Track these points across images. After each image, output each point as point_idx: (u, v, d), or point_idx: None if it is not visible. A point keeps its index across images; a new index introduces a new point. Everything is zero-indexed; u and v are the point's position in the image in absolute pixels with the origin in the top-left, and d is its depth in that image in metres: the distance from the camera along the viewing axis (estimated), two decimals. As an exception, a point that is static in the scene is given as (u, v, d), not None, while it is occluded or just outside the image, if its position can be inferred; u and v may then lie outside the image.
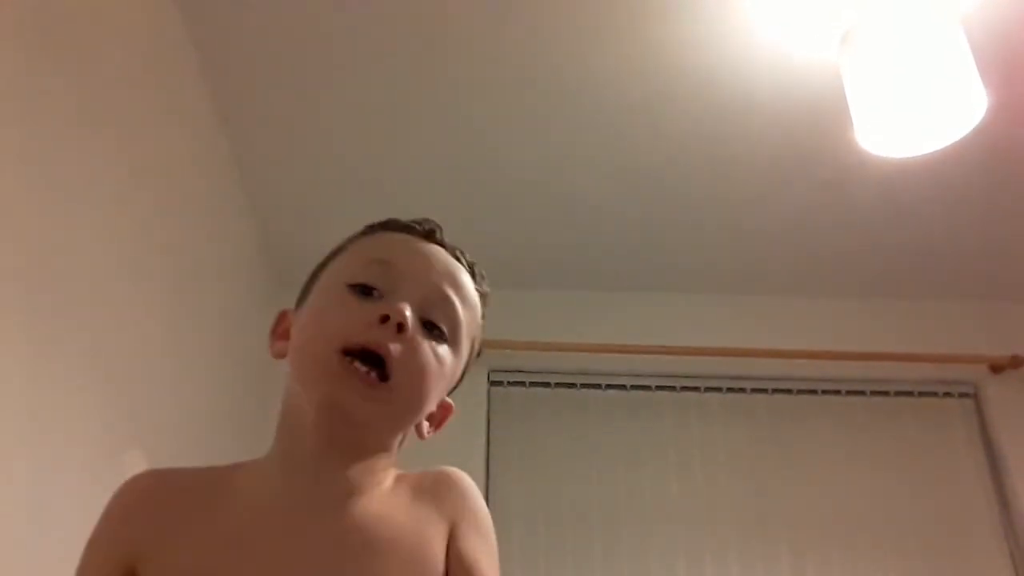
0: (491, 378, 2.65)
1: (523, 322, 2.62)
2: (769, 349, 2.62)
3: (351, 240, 0.91)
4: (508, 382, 2.66)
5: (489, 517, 0.85)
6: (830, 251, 2.62)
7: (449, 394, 0.89)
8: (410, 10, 1.88)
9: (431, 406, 0.84)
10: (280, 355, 0.87)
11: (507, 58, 2.00)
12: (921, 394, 2.70)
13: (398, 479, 0.84)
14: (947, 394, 2.72)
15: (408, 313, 0.79)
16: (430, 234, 0.89)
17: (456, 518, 0.81)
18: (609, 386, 2.68)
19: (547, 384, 2.67)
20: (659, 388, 2.67)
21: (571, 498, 2.50)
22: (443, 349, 0.83)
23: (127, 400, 1.61)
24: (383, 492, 0.82)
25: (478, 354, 0.93)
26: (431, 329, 0.82)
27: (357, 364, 0.77)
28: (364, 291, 0.81)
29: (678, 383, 2.68)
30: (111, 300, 1.57)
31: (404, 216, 0.92)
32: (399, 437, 0.85)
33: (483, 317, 0.91)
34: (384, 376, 0.78)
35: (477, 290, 0.89)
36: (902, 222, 2.48)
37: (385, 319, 0.78)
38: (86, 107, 1.49)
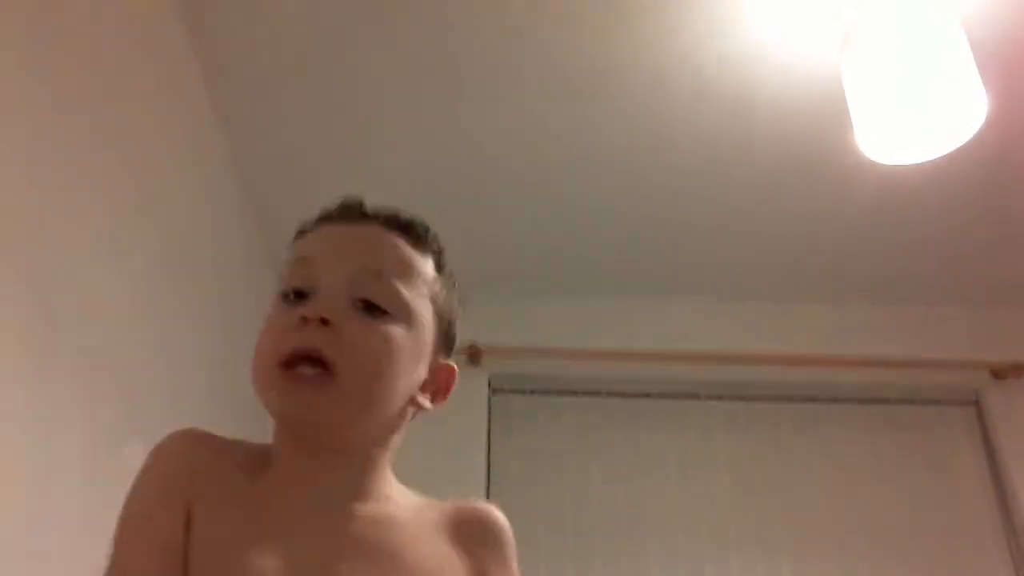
0: (492, 385, 2.64)
1: (524, 328, 2.62)
2: (770, 355, 2.62)
3: (284, 255, 0.88)
4: (509, 389, 2.66)
5: (515, 562, 0.84)
6: (831, 256, 2.61)
7: (448, 357, 0.87)
8: (409, 8, 1.88)
9: (395, 385, 0.80)
10: None
11: (509, 65, 2.00)
12: (923, 401, 2.70)
13: (426, 509, 0.83)
14: (949, 401, 2.71)
15: (324, 305, 0.77)
16: (349, 214, 0.85)
17: (484, 567, 0.81)
18: (610, 393, 2.67)
19: (548, 391, 2.67)
20: (660, 395, 2.67)
21: (572, 505, 2.49)
22: (387, 324, 0.79)
23: (126, 398, 1.61)
24: (402, 510, 0.81)
25: (476, 347, 0.91)
26: (371, 309, 0.79)
27: (299, 369, 0.76)
28: (297, 296, 0.80)
29: (679, 390, 2.67)
30: (109, 299, 1.57)
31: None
32: (383, 425, 0.82)
33: (440, 269, 0.87)
34: (328, 375, 0.76)
35: (419, 248, 0.85)
36: (903, 227, 2.48)
37: (305, 320, 0.76)
38: (83, 108, 1.49)
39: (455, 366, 0.87)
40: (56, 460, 1.36)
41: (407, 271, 0.83)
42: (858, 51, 1.84)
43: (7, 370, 1.24)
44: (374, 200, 0.89)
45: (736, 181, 2.33)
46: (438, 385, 0.86)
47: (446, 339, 0.87)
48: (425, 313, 0.83)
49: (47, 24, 1.38)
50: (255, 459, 0.81)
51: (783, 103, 2.08)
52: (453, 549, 0.80)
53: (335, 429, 0.79)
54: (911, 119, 1.78)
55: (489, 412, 2.60)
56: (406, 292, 0.81)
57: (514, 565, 0.83)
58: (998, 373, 2.67)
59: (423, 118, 2.15)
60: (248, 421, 1.19)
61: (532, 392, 2.66)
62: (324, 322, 0.76)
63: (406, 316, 0.81)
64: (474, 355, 2.53)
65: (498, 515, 0.85)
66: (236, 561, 0.73)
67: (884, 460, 2.60)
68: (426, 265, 0.85)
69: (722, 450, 2.61)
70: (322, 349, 0.76)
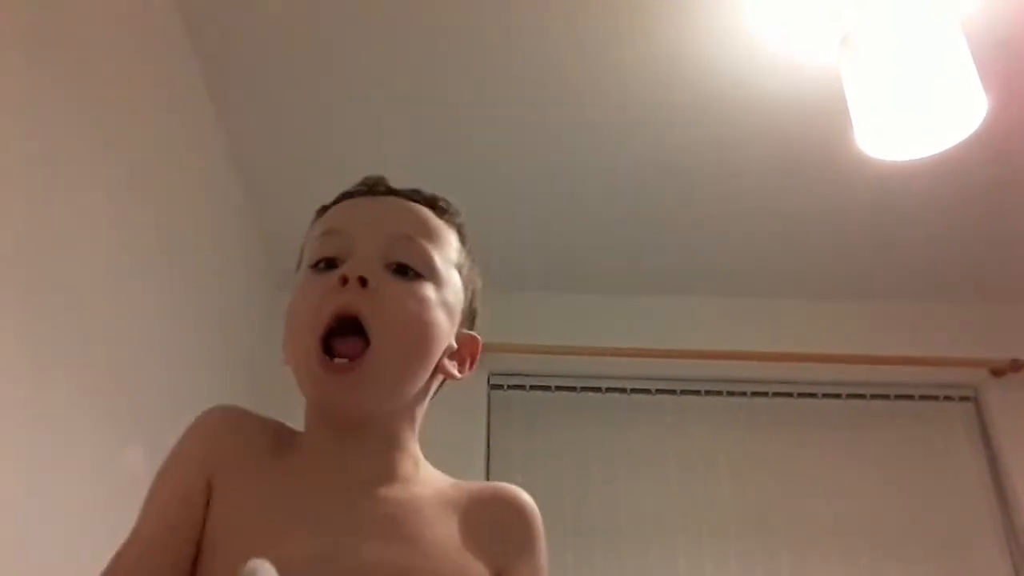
0: (491, 381, 2.64)
1: (524, 325, 2.62)
2: (769, 352, 2.62)
3: (307, 234, 0.90)
4: (508, 385, 2.66)
5: (544, 546, 0.84)
6: (830, 254, 2.62)
7: (471, 329, 0.88)
8: (411, 10, 1.88)
9: (431, 347, 0.81)
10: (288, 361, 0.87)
11: (509, 62, 2.00)
12: (922, 398, 2.71)
13: (452, 490, 0.83)
14: (947, 398, 2.72)
15: (364, 266, 0.78)
16: (374, 188, 0.88)
17: (510, 556, 0.80)
18: (609, 389, 2.68)
19: (547, 387, 2.67)
20: (659, 391, 2.68)
21: (571, 501, 2.50)
22: (421, 285, 0.81)
23: (126, 399, 1.61)
24: (424, 490, 0.81)
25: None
26: (404, 272, 0.81)
27: (336, 360, 0.76)
28: (327, 265, 0.81)
29: (678, 386, 2.68)
30: (110, 299, 1.57)
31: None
32: (415, 393, 0.83)
33: (464, 243, 0.89)
34: (366, 341, 0.77)
35: (444, 220, 0.88)
36: (902, 225, 2.48)
37: (345, 280, 0.77)
38: (84, 107, 1.49)
39: (479, 337, 0.89)
40: (56, 461, 1.36)
41: (436, 237, 0.85)
42: (857, 50, 1.84)
43: (7, 371, 1.24)
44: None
45: (736, 179, 2.34)
46: (464, 355, 0.87)
47: (470, 310, 0.88)
48: (454, 279, 0.85)
49: (47, 28, 1.38)
50: (286, 439, 0.82)
51: (783, 102, 2.08)
52: (473, 532, 0.80)
53: (373, 404, 0.80)
54: (910, 116, 1.78)
55: (489, 408, 2.61)
56: (436, 256, 0.83)
57: (539, 549, 0.83)
58: (997, 370, 2.68)
59: (424, 117, 2.15)
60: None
61: (532, 388, 2.67)
62: (362, 282, 0.77)
63: (437, 278, 0.82)
64: (474, 351, 2.53)
65: (524, 498, 0.85)
66: (258, 536, 0.73)
67: (883, 456, 2.61)
68: (451, 236, 0.87)
69: (722, 446, 2.61)
70: (362, 311, 0.77)
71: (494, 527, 0.81)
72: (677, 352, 2.61)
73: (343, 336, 0.77)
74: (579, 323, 2.70)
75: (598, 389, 2.68)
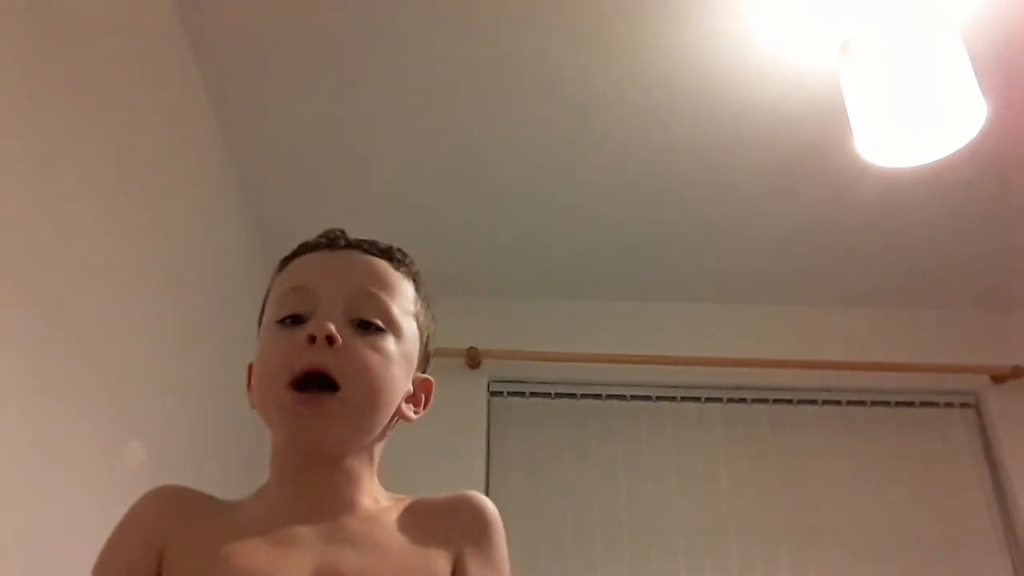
0: (491, 388, 2.64)
1: (523, 332, 2.62)
2: (770, 359, 2.62)
3: (271, 285, 0.94)
4: (508, 392, 2.66)
5: (503, 546, 0.86)
6: (830, 260, 2.62)
7: (425, 371, 0.94)
8: (408, 14, 1.88)
9: (392, 397, 0.87)
10: (255, 406, 0.90)
11: (506, 65, 2.01)
12: (922, 404, 2.70)
13: (413, 505, 0.87)
14: (948, 404, 2.71)
15: (331, 326, 0.82)
16: (334, 243, 0.92)
17: (462, 547, 0.83)
18: (610, 396, 2.67)
19: (547, 394, 2.67)
20: (660, 398, 2.67)
21: (571, 508, 2.49)
22: (383, 340, 0.86)
23: (126, 398, 1.61)
24: (385, 515, 0.85)
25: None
26: (367, 327, 0.86)
27: (306, 394, 0.81)
28: (294, 321, 0.85)
29: (679, 393, 2.67)
30: (109, 299, 1.57)
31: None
32: (375, 436, 0.88)
33: (419, 291, 0.93)
34: (335, 388, 0.81)
35: (401, 271, 0.92)
36: (902, 231, 2.48)
37: (313, 339, 0.82)
38: (83, 105, 1.49)
39: (432, 379, 0.94)
40: (53, 467, 1.36)
41: (394, 290, 0.90)
42: (857, 57, 1.85)
43: (4, 375, 1.24)
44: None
45: (736, 186, 2.34)
46: (419, 397, 0.92)
47: (425, 354, 0.94)
48: (412, 328, 0.90)
49: (45, 30, 1.38)
50: (228, 506, 0.86)
51: (782, 108, 2.08)
52: (432, 533, 0.83)
53: (339, 438, 0.84)
54: (910, 123, 1.78)
55: (488, 415, 2.60)
56: (395, 309, 0.88)
57: (495, 545, 0.85)
58: (997, 376, 2.68)
59: (423, 124, 2.15)
60: (246, 425, 1.20)
61: (531, 395, 2.66)
62: (330, 341, 0.82)
63: (396, 331, 0.88)
64: (473, 358, 2.53)
65: (483, 500, 0.88)
66: (216, 559, 0.77)
67: (884, 462, 2.60)
68: (407, 287, 0.92)
69: (722, 453, 2.61)
70: (329, 367, 0.82)
71: (450, 522, 0.85)
72: (677, 359, 2.61)
73: (309, 389, 0.81)
74: (579, 329, 2.70)
75: (598, 396, 2.67)
